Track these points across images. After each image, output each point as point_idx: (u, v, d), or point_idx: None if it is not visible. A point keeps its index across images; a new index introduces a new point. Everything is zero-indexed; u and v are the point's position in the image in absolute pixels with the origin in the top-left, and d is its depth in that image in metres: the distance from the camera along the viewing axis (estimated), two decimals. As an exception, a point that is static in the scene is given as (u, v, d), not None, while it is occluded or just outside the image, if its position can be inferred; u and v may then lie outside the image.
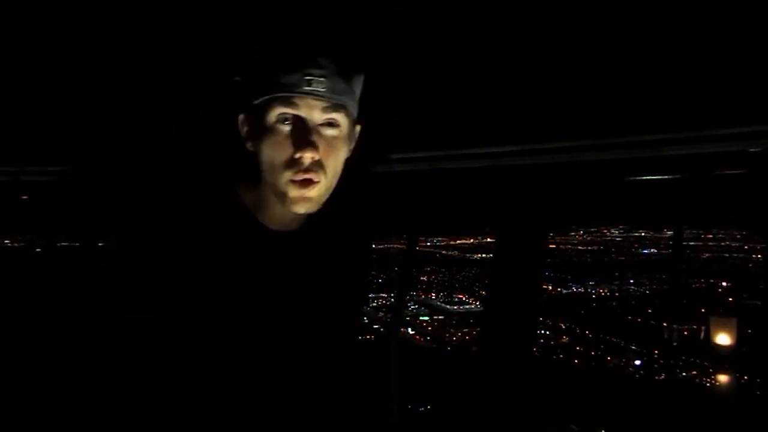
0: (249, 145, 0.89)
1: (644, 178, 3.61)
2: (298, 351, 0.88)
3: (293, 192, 0.84)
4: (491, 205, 4.27)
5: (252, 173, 0.89)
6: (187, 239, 0.83)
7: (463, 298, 10.73)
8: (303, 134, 0.83)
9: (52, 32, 2.04)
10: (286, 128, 0.83)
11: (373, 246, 1.11)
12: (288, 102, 0.82)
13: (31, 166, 4.74)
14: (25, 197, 5.41)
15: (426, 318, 10.15)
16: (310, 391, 0.87)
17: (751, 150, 2.88)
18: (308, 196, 0.85)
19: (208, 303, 0.81)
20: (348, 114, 0.88)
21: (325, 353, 0.92)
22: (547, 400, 3.57)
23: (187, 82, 2.46)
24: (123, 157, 4.06)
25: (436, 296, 10.94)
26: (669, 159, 3.14)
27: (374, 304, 10.51)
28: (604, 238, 10.09)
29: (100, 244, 0.89)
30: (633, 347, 7.69)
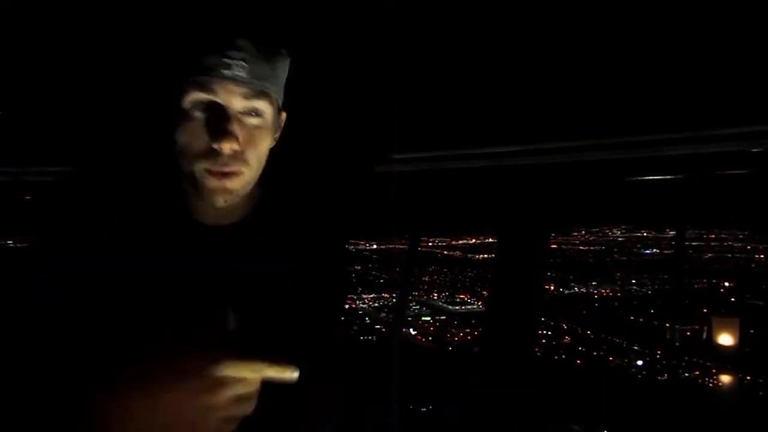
0: (162, 133, 0.81)
1: (646, 178, 3.61)
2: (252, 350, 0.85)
3: (211, 183, 0.77)
4: (493, 205, 4.27)
5: (171, 163, 0.82)
6: (120, 235, 0.79)
7: (465, 299, 10.74)
8: (221, 123, 0.75)
9: (53, 34, 2.04)
10: (202, 115, 0.76)
11: (336, 244, 1.00)
12: (204, 87, 0.74)
13: (33, 166, 4.76)
14: (27, 197, 5.43)
15: (428, 318, 10.16)
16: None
17: (752, 150, 2.88)
18: (228, 188, 0.77)
19: (139, 301, 0.77)
20: (272, 101, 0.80)
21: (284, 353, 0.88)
22: (548, 400, 3.57)
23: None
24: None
25: (438, 296, 10.95)
26: (671, 159, 3.14)
27: (376, 305, 10.52)
28: (606, 238, 10.09)
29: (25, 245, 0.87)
30: (635, 347, 7.69)
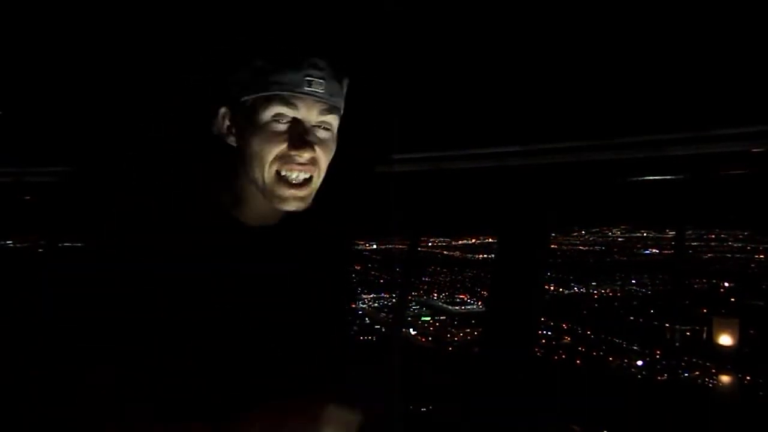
0: (231, 140, 0.88)
1: (646, 178, 3.61)
2: (285, 349, 0.87)
3: (285, 190, 0.84)
4: (493, 205, 4.26)
5: (229, 169, 0.88)
6: (161, 240, 0.81)
7: (465, 299, 10.73)
8: (300, 134, 0.83)
9: (54, 36, 2.04)
10: (282, 127, 0.83)
11: (356, 243, 1.10)
12: (286, 101, 0.82)
13: (34, 167, 4.76)
14: (27, 198, 5.43)
15: (428, 318, 10.15)
16: (304, 387, 0.86)
17: (753, 150, 2.88)
18: (300, 196, 0.85)
19: (188, 304, 0.79)
20: (339, 117, 0.89)
21: (314, 350, 0.91)
22: (548, 401, 3.57)
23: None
24: (111, 157, 4.07)
25: (438, 296, 10.94)
26: (671, 159, 3.14)
27: (376, 305, 10.51)
28: (606, 238, 10.09)
29: (80, 245, 0.87)
30: (635, 348, 7.68)
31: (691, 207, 3.70)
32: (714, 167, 3.24)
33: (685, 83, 2.39)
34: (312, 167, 0.84)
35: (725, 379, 3.35)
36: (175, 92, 2.41)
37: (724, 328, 3.37)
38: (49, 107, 3.14)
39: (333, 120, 0.87)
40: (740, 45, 1.94)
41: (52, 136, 3.83)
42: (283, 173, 0.83)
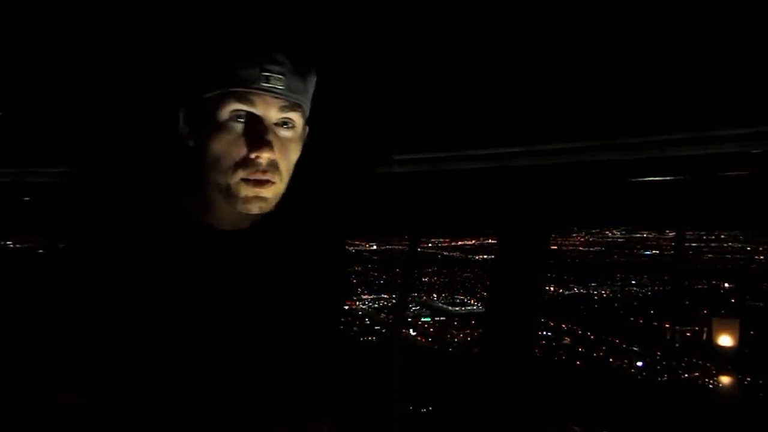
0: (190, 143, 0.83)
1: (646, 179, 3.61)
2: (262, 351, 0.84)
3: (247, 191, 0.79)
4: (493, 206, 4.26)
5: (192, 172, 0.84)
6: (129, 245, 0.79)
7: (465, 299, 10.73)
8: (259, 133, 0.78)
9: (54, 36, 2.04)
10: (240, 126, 0.78)
11: (345, 244, 1.07)
12: (243, 98, 0.77)
13: (34, 167, 4.76)
14: (27, 199, 5.43)
15: (427, 319, 10.15)
16: (285, 392, 0.85)
17: (753, 151, 2.88)
18: (263, 196, 0.80)
19: (158, 310, 0.77)
20: (303, 114, 0.84)
21: (294, 352, 0.88)
22: (548, 401, 3.57)
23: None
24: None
25: (438, 297, 10.94)
26: (671, 160, 3.14)
27: (376, 306, 10.51)
28: (606, 239, 10.09)
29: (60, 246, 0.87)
30: (635, 348, 7.68)
31: (691, 208, 3.71)
32: (714, 168, 3.24)
33: (685, 84, 2.39)
34: (274, 171, 0.80)
35: (725, 379, 3.35)
36: (152, 92, 2.40)
37: (724, 329, 3.37)
38: (48, 108, 3.14)
39: (296, 117, 0.82)
40: (740, 46, 1.94)
41: (52, 137, 3.84)
42: (244, 177, 0.79)
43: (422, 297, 10.85)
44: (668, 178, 3.52)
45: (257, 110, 0.78)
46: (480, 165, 3.79)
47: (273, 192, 0.81)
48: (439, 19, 1.84)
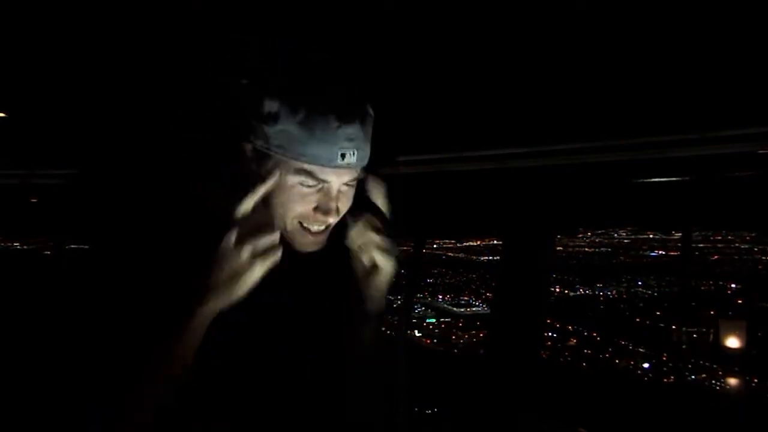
0: (251, 178, 0.79)
1: (652, 180, 3.59)
2: (291, 350, 0.86)
3: (306, 239, 0.82)
4: (499, 207, 4.26)
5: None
6: (177, 250, 0.78)
7: (470, 300, 10.70)
8: (329, 200, 0.80)
9: (61, 37, 2.05)
10: (308, 190, 0.79)
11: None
12: (316, 173, 0.77)
13: (41, 169, 4.78)
14: (34, 200, 5.45)
15: (433, 320, 10.13)
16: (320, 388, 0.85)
17: (760, 151, 2.86)
18: (319, 241, 0.83)
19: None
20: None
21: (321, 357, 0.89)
22: (554, 403, 3.56)
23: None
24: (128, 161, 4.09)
25: (443, 298, 10.92)
26: (677, 161, 3.13)
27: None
28: (612, 240, 10.04)
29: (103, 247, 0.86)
30: (641, 350, 7.64)
31: (698, 208, 3.69)
32: (720, 169, 3.22)
33: (691, 84, 2.38)
34: (333, 220, 0.83)
35: (732, 381, 3.33)
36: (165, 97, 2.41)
37: (731, 330, 3.36)
38: (55, 110, 3.16)
39: (359, 175, 0.84)
40: (746, 46, 1.93)
41: (59, 138, 3.86)
42: (305, 225, 0.81)
43: (427, 298, 10.83)
44: (674, 178, 3.51)
45: (328, 179, 0.79)
46: (485, 166, 3.79)
47: (327, 234, 0.84)
48: (444, 20, 1.84)
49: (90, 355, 0.73)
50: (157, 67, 2.27)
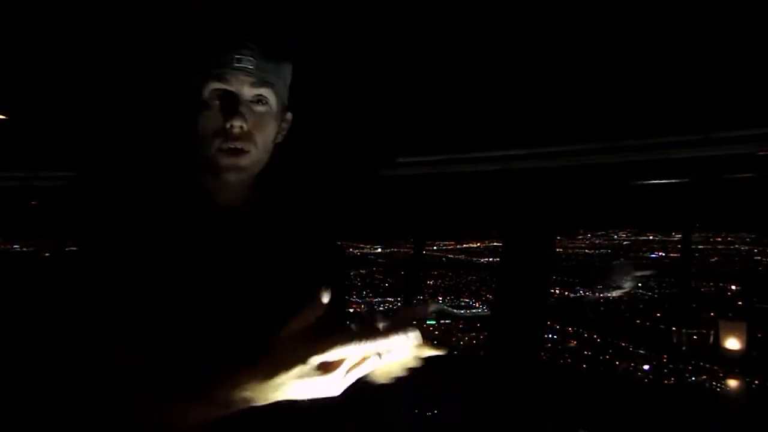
0: (182, 123, 0.95)
1: (652, 181, 3.60)
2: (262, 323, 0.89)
3: (224, 160, 0.91)
4: (498, 208, 4.26)
5: (187, 152, 0.96)
6: (147, 225, 0.89)
7: (470, 302, 10.70)
8: (233, 106, 0.90)
9: (62, 39, 2.06)
10: (218, 102, 0.91)
11: (339, 237, 1.15)
12: (220, 78, 0.90)
13: (41, 171, 4.78)
14: (34, 202, 5.46)
15: (432, 322, 10.13)
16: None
17: (759, 153, 2.86)
18: (239, 164, 0.92)
19: (175, 286, 0.84)
20: (276, 93, 0.96)
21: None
22: (554, 405, 3.55)
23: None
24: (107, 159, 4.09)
25: (443, 300, 10.91)
26: (677, 162, 3.13)
27: (381, 309, 10.51)
28: (612, 241, 10.04)
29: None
30: (641, 351, 7.64)
31: (698, 210, 3.69)
32: (720, 170, 3.23)
33: (691, 86, 2.38)
34: (247, 141, 0.91)
35: (732, 382, 3.33)
36: (152, 89, 2.42)
37: (732, 332, 3.35)
38: (56, 112, 3.16)
39: (268, 94, 0.94)
40: (747, 47, 1.93)
41: (60, 140, 3.86)
42: (224, 146, 0.90)
43: (427, 300, 10.83)
44: (674, 180, 3.51)
45: (231, 87, 0.91)
46: (485, 167, 3.79)
47: (249, 161, 0.93)
48: (443, 20, 1.84)
49: (88, 354, 0.76)
50: (157, 69, 2.27)
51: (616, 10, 1.70)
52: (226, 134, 0.90)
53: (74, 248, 0.92)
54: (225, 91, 0.91)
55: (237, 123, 0.89)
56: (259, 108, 0.94)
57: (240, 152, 0.91)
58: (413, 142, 3.66)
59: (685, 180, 3.48)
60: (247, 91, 0.92)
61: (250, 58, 0.91)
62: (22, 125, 3.44)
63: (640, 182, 3.65)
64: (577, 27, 1.83)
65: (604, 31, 1.86)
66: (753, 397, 3.58)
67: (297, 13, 1.76)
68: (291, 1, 1.68)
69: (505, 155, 3.63)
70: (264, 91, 0.93)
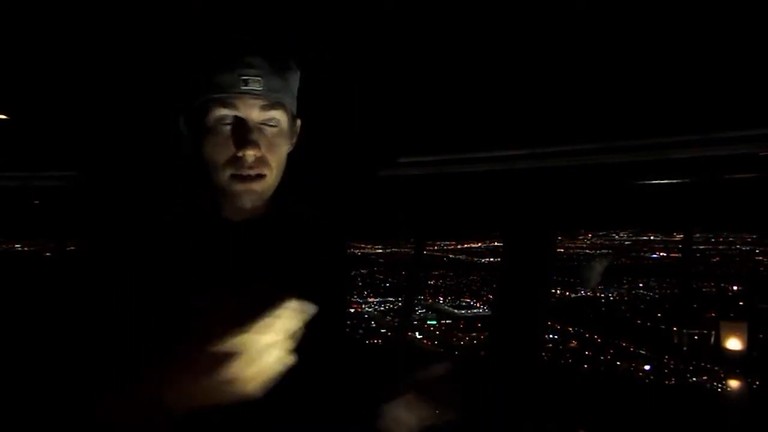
0: (190, 146, 0.89)
1: (653, 181, 3.60)
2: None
3: (237, 186, 0.85)
4: (499, 208, 4.26)
5: (195, 173, 0.91)
6: (158, 236, 0.86)
7: (471, 302, 10.70)
8: (244, 134, 0.84)
9: (62, 40, 2.06)
10: (227, 128, 0.84)
11: (348, 242, 1.11)
12: (225, 103, 0.84)
13: (43, 171, 4.79)
14: (35, 202, 5.46)
15: (433, 322, 10.13)
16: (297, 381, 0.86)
17: (760, 153, 2.86)
18: (253, 189, 0.86)
19: (177, 300, 0.81)
20: (286, 111, 0.89)
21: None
22: (555, 405, 3.55)
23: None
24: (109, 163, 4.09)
25: (444, 300, 10.92)
26: (678, 162, 3.13)
27: (382, 309, 10.51)
28: (612, 241, 10.04)
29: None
30: (642, 352, 7.64)
31: (699, 210, 3.69)
32: (721, 170, 3.22)
33: (692, 86, 2.38)
34: (262, 166, 0.86)
35: (733, 383, 3.33)
36: (158, 98, 2.43)
37: (732, 332, 3.35)
38: (57, 112, 3.16)
39: (279, 115, 0.87)
40: (748, 47, 1.93)
41: (61, 140, 3.86)
42: (235, 173, 0.85)
43: (428, 300, 10.83)
44: (675, 180, 3.51)
45: (240, 113, 0.84)
46: (486, 167, 3.79)
47: (263, 186, 0.87)
48: (443, 21, 1.84)
49: (90, 353, 0.76)
50: (157, 69, 2.27)
51: (616, 10, 1.70)
52: (238, 162, 0.84)
53: (74, 249, 0.91)
54: (233, 116, 0.84)
55: (250, 152, 0.83)
56: (270, 130, 0.87)
57: (255, 178, 0.85)
58: (414, 142, 3.66)
59: (686, 180, 3.48)
60: (257, 116, 0.85)
61: (258, 78, 0.84)
62: (22, 125, 3.44)
63: (640, 182, 3.65)
64: (577, 27, 1.83)
65: (604, 31, 1.86)
66: (754, 398, 3.57)
67: (297, 13, 1.76)
68: (291, 2, 1.68)
69: (505, 155, 3.63)
70: (274, 113, 0.87)
